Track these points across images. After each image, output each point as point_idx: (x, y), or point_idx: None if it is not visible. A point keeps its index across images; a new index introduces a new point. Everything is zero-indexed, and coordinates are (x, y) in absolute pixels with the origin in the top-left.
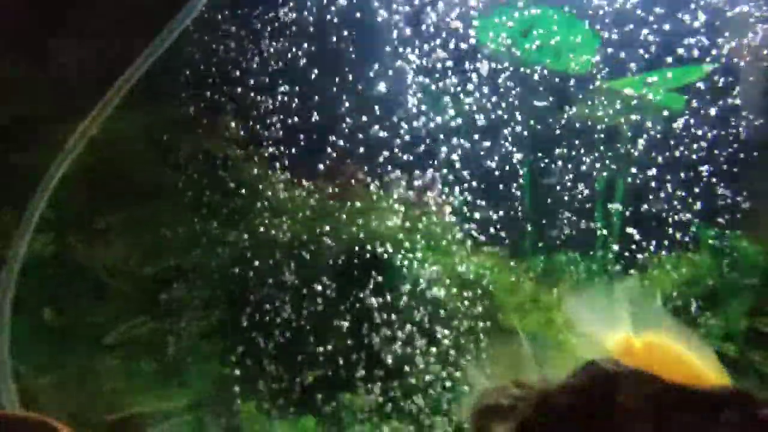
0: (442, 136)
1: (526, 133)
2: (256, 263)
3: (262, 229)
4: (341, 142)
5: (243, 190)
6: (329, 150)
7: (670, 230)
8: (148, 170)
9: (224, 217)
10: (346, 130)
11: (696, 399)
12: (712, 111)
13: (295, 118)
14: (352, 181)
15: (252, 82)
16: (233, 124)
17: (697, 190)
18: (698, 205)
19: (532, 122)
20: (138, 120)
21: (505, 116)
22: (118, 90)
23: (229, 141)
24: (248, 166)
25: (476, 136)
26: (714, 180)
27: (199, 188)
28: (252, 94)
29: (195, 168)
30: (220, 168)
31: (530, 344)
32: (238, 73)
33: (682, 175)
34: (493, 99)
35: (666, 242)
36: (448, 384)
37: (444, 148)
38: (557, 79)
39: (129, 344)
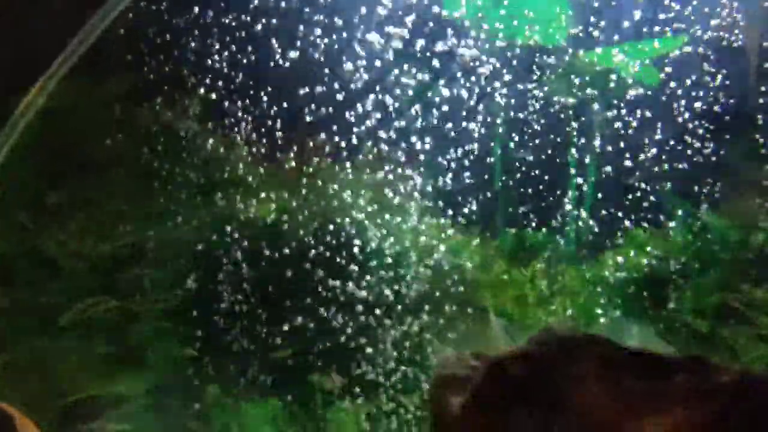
0: (412, 113)
1: (497, 108)
2: (219, 241)
3: (225, 206)
4: (308, 118)
5: (205, 166)
6: (296, 126)
7: (643, 206)
8: (102, 143)
9: (185, 194)
10: (314, 106)
11: (649, 363)
12: (685, 85)
13: (260, 93)
14: (320, 158)
15: (214, 53)
16: (193, 96)
17: (668, 165)
18: (670, 181)
19: (503, 96)
20: (91, 90)
21: (476, 90)
22: (66, 58)
23: (189, 114)
24: (210, 140)
25: (447, 112)
26: (686, 155)
27: (158, 163)
28: (214, 65)
29: (153, 141)
30: (181, 142)
31: (501, 321)
32: (197, 42)
33: (655, 150)
34: (464, 73)
35: (638, 218)
36: (419, 362)
37: (414, 125)
38: (529, 52)
39: (85, 325)
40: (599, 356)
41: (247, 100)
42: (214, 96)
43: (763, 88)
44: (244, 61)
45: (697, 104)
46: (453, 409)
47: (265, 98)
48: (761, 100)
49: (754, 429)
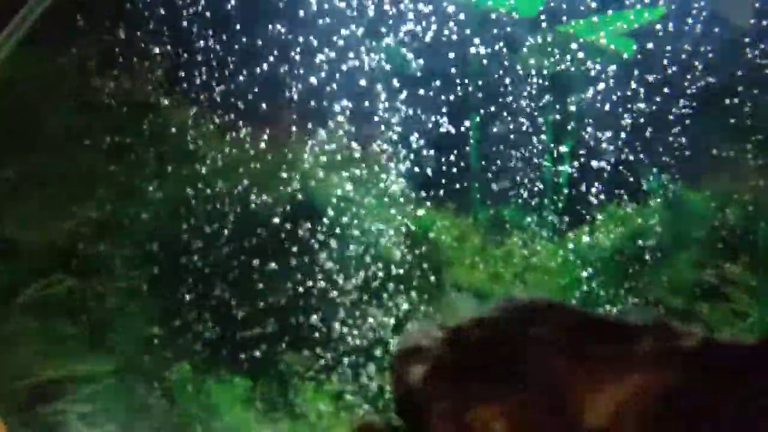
0: (384, 84)
1: (472, 80)
2: (186, 217)
3: (191, 180)
4: (278, 90)
5: (170, 138)
6: (266, 97)
7: (620, 182)
8: (60, 114)
9: (150, 167)
10: (284, 76)
11: (612, 330)
12: (662, 58)
13: (229, 64)
14: (291, 130)
15: (181, 21)
16: (155, 66)
17: (646, 140)
18: (647, 157)
19: (478, 69)
20: (48, 58)
21: (451, 63)
22: (18, 24)
23: (153, 84)
24: (176, 111)
25: (420, 85)
26: (663, 130)
27: (120, 135)
28: (180, 34)
29: (115, 113)
30: (144, 113)
31: (467, 296)
32: (160, 9)
33: (632, 126)
34: (438, 45)
35: (615, 194)
36: (390, 339)
37: (387, 97)
38: (504, 22)
39: (44, 304)
40: (559, 321)
41: (214, 71)
42: (178, 66)
43: (742, 66)
44: (211, 29)
45: (675, 78)
46: (415, 379)
47: (232, 68)
48: (741, 75)
49: (717, 393)
